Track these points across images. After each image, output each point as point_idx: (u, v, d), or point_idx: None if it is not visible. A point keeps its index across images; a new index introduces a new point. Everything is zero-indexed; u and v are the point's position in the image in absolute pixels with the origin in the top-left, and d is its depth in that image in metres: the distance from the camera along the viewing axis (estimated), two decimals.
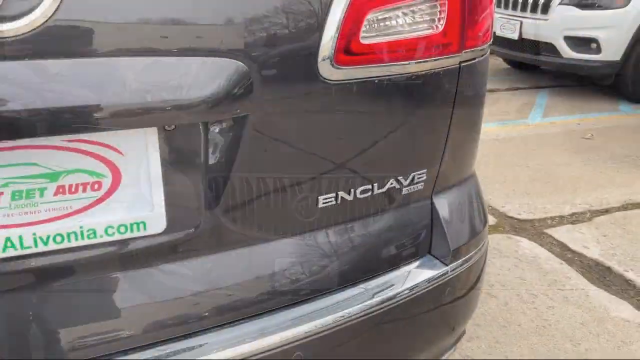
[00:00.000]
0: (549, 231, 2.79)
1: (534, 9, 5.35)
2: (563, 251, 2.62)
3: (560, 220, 2.92)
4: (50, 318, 0.74)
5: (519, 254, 2.58)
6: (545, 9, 5.28)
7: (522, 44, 5.48)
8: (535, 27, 5.33)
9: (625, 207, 3.09)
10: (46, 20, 0.64)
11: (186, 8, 0.71)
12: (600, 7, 5.09)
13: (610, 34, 5.07)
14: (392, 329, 0.97)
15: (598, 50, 5.12)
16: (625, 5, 5.03)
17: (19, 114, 0.65)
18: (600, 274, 2.44)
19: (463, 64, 0.98)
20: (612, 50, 5.12)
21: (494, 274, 2.39)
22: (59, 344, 0.74)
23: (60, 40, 0.65)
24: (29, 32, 0.63)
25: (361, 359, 0.93)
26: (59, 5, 0.63)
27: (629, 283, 2.39)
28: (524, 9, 5.41)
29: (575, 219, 2.94)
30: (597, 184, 3.38)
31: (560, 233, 2.77)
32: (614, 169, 3.63)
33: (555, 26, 5.23)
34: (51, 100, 0.66)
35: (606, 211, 3.04)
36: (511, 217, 2.93)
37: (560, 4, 5.21)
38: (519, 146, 4.00)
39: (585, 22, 5.13)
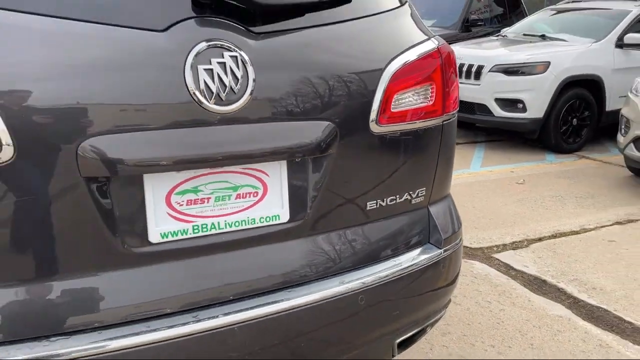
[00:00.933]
0: (496, 255, 3.43)
1: (468, 76, 6.24)
2: (508, 270, 3.25)
3: (504, 247, 3.57)
4: (229, 269, 1.27)
5: (474, 273, 3.19)
6: (478, 75, 6.17)
7: (461, 105, 6.32)
8: (470, 91, 6.19)
9: (554, 236, 3.79)
10: (243, 105, 1.21)
11: (305, 94, 1.30)
12: (523, 74, 6.00)
13: (533, 95, 5.98)
14: (411, 288, 1.53)
15: (524, 109, 6.00)
16: (545, 71, 5.97)
17: (224, 154, 1.20)
18: (538, 286, 3.08)
19: (444, 123, 1.60)
20: (536, 109, 6.02)
21: (456, 288, 2.99)
22: (231, 282, 1.27)
23: (246, 115, 1.22)
24: (234, 110, 1.20)
25: (396, 301, 1.48)
26: (250, 98, 1.21)
27: (561, 291, 3.03)
28: (460, 76, 6.27)
29: (515, 246, 3.60)
30: (530, 218, 4.09)
31: (504, 257, 3.42)
32: (544, 207, 4.36)
33: (487, 90, 6.12)
34: (239, 146, 1.22)
35: (539, 239, 3.72)
36: (465, 246, 3.56)
37: (490, 71, 6.11)
38: (464, 191, 4.69)
39: (512, 86, 6.03)
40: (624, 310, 2.83)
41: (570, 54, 6.26)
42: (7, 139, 1.02)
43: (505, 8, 11.94)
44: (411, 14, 1.61)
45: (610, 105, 6.40)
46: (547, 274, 3.20)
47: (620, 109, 5.30)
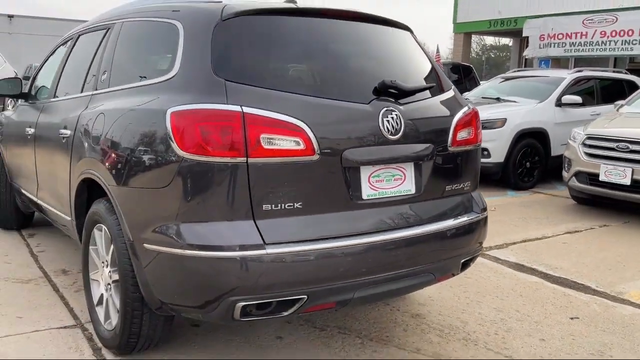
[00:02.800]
0: (487, 252, 4.85)
1: None
2: (496, 260, 4.67)
3: (490, 248, 4.99)
4: (392, 213, 2.63)
5: (475, 262, 4.59)
6: None
7: None
8: None
9: (524, 241, 5.25)
10: (400, 136, 2.60)
11: (422, 130, 2.71)
12: (486, 128, 7.60)
13: (495, 144, 7.57)
14: (468, 231, 2.90)
15: (489, 155, 7.58)
16: (503, 125, 7.61)
17: (391, 159, 2.59)
18: (519, 268, 4.49)
19: (477, 147, 3.03)
20: (498, 155, 7.61)
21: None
22: (392, 219, 2.62)
23: (401, 140, 2.61)
24: (396, 138, 2.59)
25: (462, 238, 2.85)
26: (402, 132, 2.61)
27: (534, 270, 4.44)
28: None
29: (498, 247, 5.03)
30: (506, 232, 5.55)
31: (492, 253, 4.84)
32: (513, 225, 5.84)
33: None
34: (396, 155, 2.61)
35: (514, 243, 5.17)
36: None
37: None
38: None
39: None
40: (577, 278, 4.27)
41: (521, 112, 7.95)
42: (316, 146, 2.37)
43: (460, 74, 13.90)
44: (455, 93, 3.06)
45: (554, 152, 8.06)
46: (523, 261, 4.63)
47: (562, 155, 6.95)
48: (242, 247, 2.27)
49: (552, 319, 3.53)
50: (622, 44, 13.02)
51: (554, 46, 14.34)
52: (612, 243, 5.29)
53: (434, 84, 2.89)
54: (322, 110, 2.44)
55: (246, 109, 2.28)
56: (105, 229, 2.81)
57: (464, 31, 17.77)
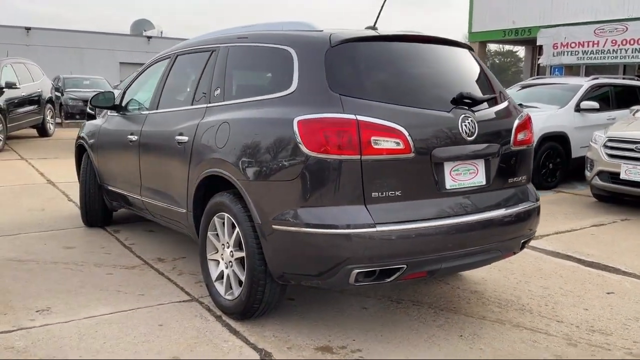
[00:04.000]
0: None
1: None
2: (535, 248, 5.27)
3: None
4: (468, 201, 3.24)
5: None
6: None
7: None
8: None
9: (556, 233, 5.85)
10: (474, 137, 3.22)
11: (491, 132, 3.34)
12: None
13: None
14: (527, 216, 3.49)
15: None
16: None
17: (467, 155, 3.21)
18: (555, 254, 5.10)
19: (533, 146, 3.65)
20: None
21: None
22: (468, 206, 3.23)
23: (475, 141, 3.23)
24: (471, 139, 3.21)
25: (522, 221, 3.46)
26: (476, 134, 3.23)
27: (569, 256, 5.05)
28: None
29: (535, 239, 5.63)
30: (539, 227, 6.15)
31: (531, 242, 5.44)
32: (544, 220, 6.42)
33: None
34: (471, 153, 3.23)
35: (548, 235, 5.76)
36: None
37: None
38: None
39: None
40: (608, 262, 4.87)
41: (543, 117, 8.55)
42: (412, 146, 3.00)
43: None
44: (510, 101, 3.69)
45: (574, 154, 8.66)
46: (558, 249, 5.23)
47: (581, 157, 7.57)
48: (358, 226, 2.89)
49: (592, 293, 4.13)
50: (632, 52, 13.65)
51: (567, 54, 14.99)
52: (635, 234, 5.89)
53: (496, 94, 3.52)
54: (415, 117, 3.07)
55: (359, 117, 2.91)
56: (228, 216, 3.44)
57: (479, 40, 18.45)
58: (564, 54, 15.10)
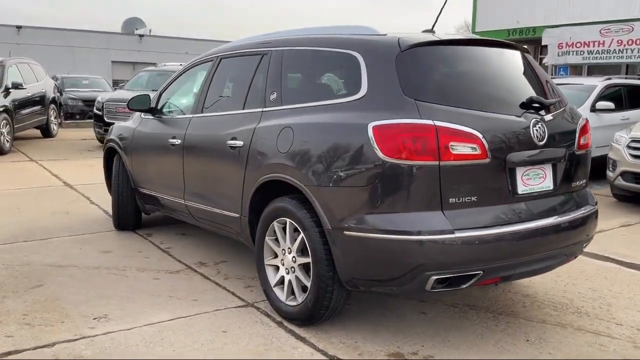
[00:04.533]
0: None
1: None
2: None
3: None
4: (537, 205, 3.24)
5: None
6: None
7: None
8: None
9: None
10: (545, 141, 3.21)
11: (560, 137, 3.34)
12: None
13: None
14: (588, 220, 3.50)
15: None
16: None
17: (537, 160, 3.21)
18: (594, 256, 5.12)
19: (590, 150, 3.66)
20: None
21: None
22: (538, 211, 3.23)
23: (546, 145, 3.23)
24: (542, 144, 3.21)
25: (585, 225, 3.46)
26: (547, 139, 3.22)
27: (604, 257, 5.08)
28: None
29: None
30: None
31: None
32: None
33: None
34: (540, 158, 3.23)
35: None
36: None
37: None
38: None
39: None
40: (636, 261, 4.91)
41: None
42: (488, 151, 2.99)
43: None
44: (570, 105, 3.69)
45: (592, 154, 8.70)
46: (595, 251, 5.23)
47: (597, 157, 7.60)
48: (437, 232, 2.88)
49: None
50: (638, 52, 13.77)
51: (573, 54, 15.09)
52: None
53: (559, 98, 3.53)
54: (489, 122, 3.06)
55: (437, 123, 2.90)
56: (290, 221, 3.41)
57: None
58: (569, 54, 15.20)
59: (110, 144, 5.74)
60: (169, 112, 5.15)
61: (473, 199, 2.98)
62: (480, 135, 2.96)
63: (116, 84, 20.78)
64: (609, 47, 14.36)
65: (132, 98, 5.14)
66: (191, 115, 4.57)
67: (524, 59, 3.62)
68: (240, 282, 4.29)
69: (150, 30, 41.97)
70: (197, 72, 4.88)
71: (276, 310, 3.62)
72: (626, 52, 14.09)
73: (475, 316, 3.71)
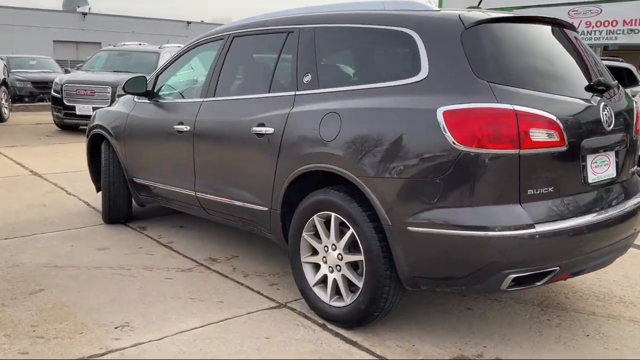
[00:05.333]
0: None
1: None
2: None
3: None
4: (606, 193, 3.05)
5: None
6: None
7: None
8: None
9: None
10: (612, 127, 3.02)
11: (621, 122, 3.15)
12: None
13: None
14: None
15: None
16: None
17: (604, 147, 3.01)
18: None
19: None
20: None
21: None
22: (607, 198, 3.05)
23: (612, 130, 3.03)
24: (610, 129, 3.00)
25: (636, 218, 3.29)
26: (614, 123, 3.03)
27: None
28: None
29: None
30: None
31: None
32: None
33: None
34: (607, 144, 3.04)
35: None
36: None
37: None
38: None
39: None
40: None
41: None
42: (565, 138, 2.76)
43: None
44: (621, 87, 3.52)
45: None
46: None
47: None
48: (517, 227, 2.64)
49: None
50: (606, 34, 13.96)
51: None
52: None
53: (616, 80, 3.34)
54: (564, 106, 2.84)
55: (517, 107, 2.65)
56: (337, 215, 3.12)
57: None
58: None
59: (97, 130, 5.27)
60: (168, 95, 4.73)
61: (550, 189, 2.76)
62: (558, 121, 2.73)
63: (60, 64, 19.63)
64: (578, 28, 14.49)
65: (128, 80, 4.70)
66: (201, 100, 4.17)
67: (577, 38, 3.41)
68: (262, 279, 3.97)
69: (89, 8, 40.15)
70: (202, 52, 4.48)
71: (316, 311, 3.33)
72: (595, 34, 14.27)
73: (524, 310, 3.52)
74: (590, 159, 2.95)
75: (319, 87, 3.33)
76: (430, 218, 2.75)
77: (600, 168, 3.02)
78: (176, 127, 4.27)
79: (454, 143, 2.66)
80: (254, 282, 3.91)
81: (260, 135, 3.54)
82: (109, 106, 5.57)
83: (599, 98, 3.02)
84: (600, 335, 3.21)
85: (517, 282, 2.75)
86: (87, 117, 10.80)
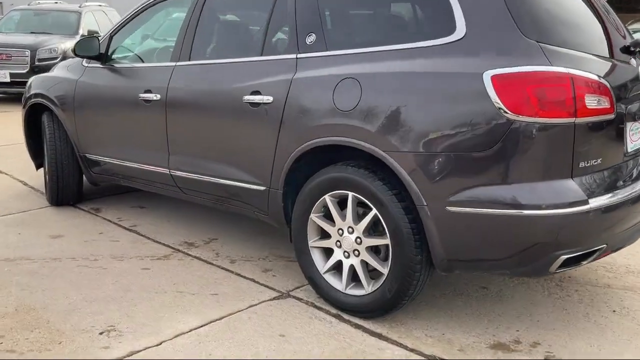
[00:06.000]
0: None
1: None
2: None
3: None
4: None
5: None
6: None
7: None
8: None
9: None
10: None
11: None
12: None
13: None
14: None
15: None
16: None
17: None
18: None
19: None
20: None
21: None
22: None
23: None
24: None
25: None
26: None
27: None
28: None
29: None
30: None
31: None
32: None
33: None
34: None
35: None
36: None
37: None
38: None
39: None
40: None
41: None
42: (614, 104, 2.51)
43: None
44: None
45: None
46: None
47: None
48: (571, 204, 2.40)
49: None
50: None
51: None
52: None
53: None
54: (611, 69, 2.60)
55: (572, 71, 2.37)
56: (355, 195, 2.78)
57: None
58: None
59: (37, 99, 4.61)
60: (125, 59, 4.17)
61: (598, 161, 2.53)
62: (609, 86, 2.48)
63: None
64: None
65: (79, 42, 4.08)
66: (173, 64, 3.65)
67: None
68: (252, 265, 3.58)
69: None
70: (169, 8, 3.93)
71: (329, 301, 3.00)
72: None
73: (539, 286, 3.34)
74: (629, 126, 2.73)
75: (327, 49, 2.93)
76: (474, 196, 2.45)
77: (636, 136, 2.82)
78: (142, 95, 3.73)
79: (504, 112, 2.35)
80: (244, 269, 3.52)
81: (255, 104, 3.11)
82: (49, 73, 4.87)
83: (635, 60, 2.80)
84: (626, 310, 3.08)
85: (565, 263, 2.51)
86: (3, 84, 9.79)
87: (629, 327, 2.91)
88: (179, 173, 3.67)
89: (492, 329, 2.85)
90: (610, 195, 2.54)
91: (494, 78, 2.38)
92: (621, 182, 2.66)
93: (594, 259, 2.63)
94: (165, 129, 3.64)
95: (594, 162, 2.51)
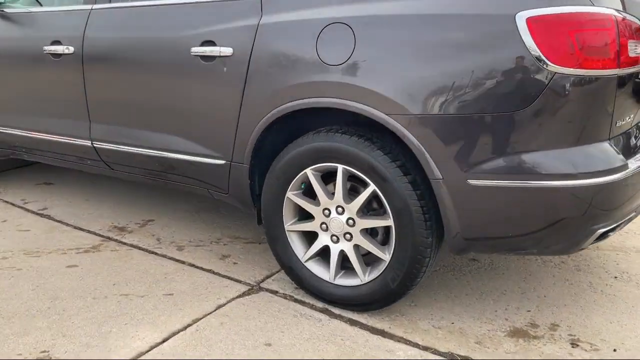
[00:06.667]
0: None
1: None
2: None
3: None
4: None
5: None
6: None
7: None
8: None
9: None
10: None
11: None
12: None
13: None
14: None
15: None
16: None
17: None
18: None
19: None
20: None
21: None
22: None
23: None
24: None
25: None
26: None
27: None
28: None
29: None
30: None
31: None
32: None
33: None
34: None
35: None
36: None
37: None
38: None
39: None
40: None
41: None
42: None
43: None
44: None
45: None
46: None
47: None
48: (612, 171, 2.06)
49: None
50: None
51: None
52: None
53: None
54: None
55: (614, 13, 1.99)
56: (346, 168, 2.29)
57: None
58: None
59: None
60: (15, 2, 3.33)
61: (628, 119, 2.19)
62: None
63: None
64: None
65: None
66: (89, 7, 2.90)
67: None
68: (204, 251, 3.02)
69: None
70: None
71: (313, 293, 2.54)
72: None
73: (532, 259, 3.05)
74: None
75: None
76: (502, 166, 2.04)
77: None
78: (48, 48, 2.97)
79: (543, 62, 1.92)
80: (197, 257, 2.95)
81: (209, 58, 2.49)
82: None
83: None
84: (627, 275, 2.86)
85: (600, 236, 2.19)
86: None
87: (637, 294, 2.68)
88: (105, 145, 2.98)
89: (502, 312, 2.51)
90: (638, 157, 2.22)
91: (530, 20, 1.93)
92: None
93: (615, 231, 2.32)
94: (85, 92, 2.92)
95: (628, 118, 2.17)
